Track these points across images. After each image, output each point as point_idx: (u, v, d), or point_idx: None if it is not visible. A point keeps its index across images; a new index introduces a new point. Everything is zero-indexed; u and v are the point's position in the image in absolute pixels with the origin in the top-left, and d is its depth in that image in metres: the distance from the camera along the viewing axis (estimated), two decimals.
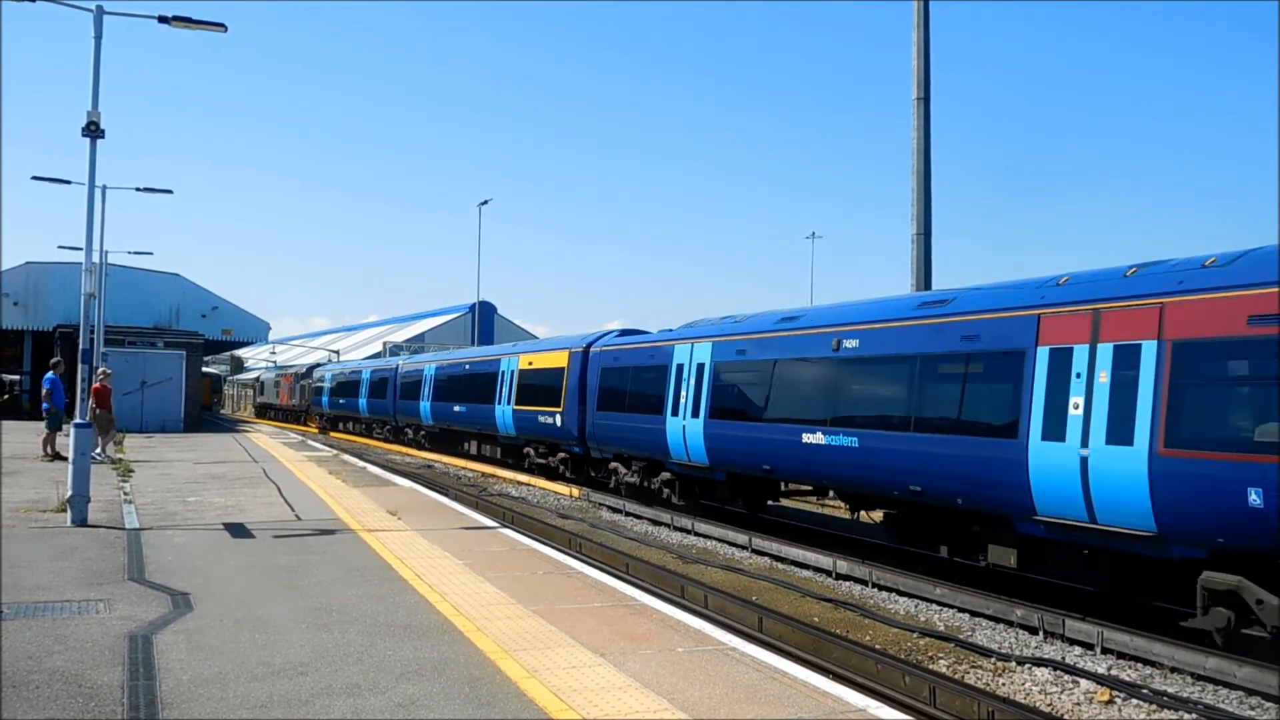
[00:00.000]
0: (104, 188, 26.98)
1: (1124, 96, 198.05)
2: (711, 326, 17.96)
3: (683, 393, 17.67)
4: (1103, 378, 9.90)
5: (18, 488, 15.65)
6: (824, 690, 6.25)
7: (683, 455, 17.75)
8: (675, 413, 17.86)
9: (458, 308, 73.16)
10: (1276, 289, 8.57)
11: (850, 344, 13.72)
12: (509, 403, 26.25)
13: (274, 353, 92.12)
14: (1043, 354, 10.58)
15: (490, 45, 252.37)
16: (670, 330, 19.91)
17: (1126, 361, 9.70)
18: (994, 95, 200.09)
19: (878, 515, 14.67)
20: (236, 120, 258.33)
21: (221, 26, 13.85)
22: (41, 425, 21.47)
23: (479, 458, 30.59)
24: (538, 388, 24.52)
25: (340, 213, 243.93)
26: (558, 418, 23.06)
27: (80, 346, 13.34)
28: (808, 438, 14.10)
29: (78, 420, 12.84)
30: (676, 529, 18.02)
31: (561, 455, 24.28)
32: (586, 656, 6.77)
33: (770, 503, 18.29)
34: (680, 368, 17.96)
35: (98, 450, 20.86)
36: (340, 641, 6.98)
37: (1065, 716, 8.25)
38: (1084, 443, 9.96)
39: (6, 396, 39.81)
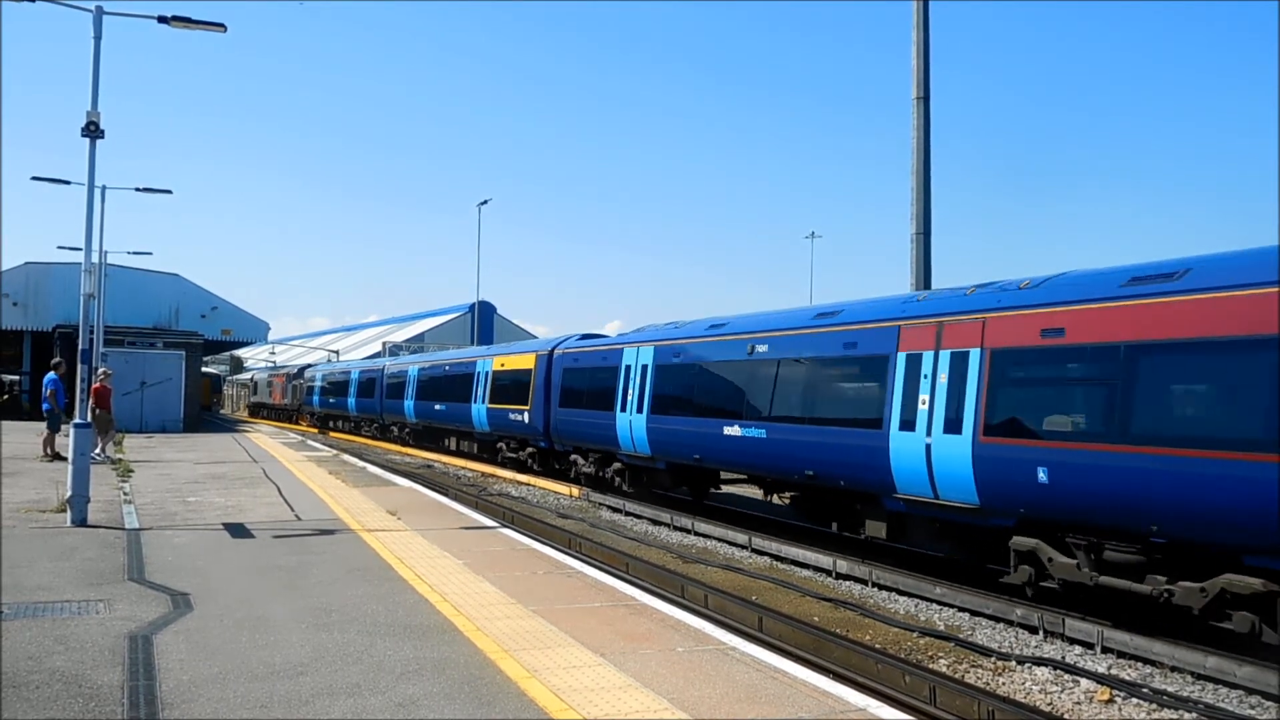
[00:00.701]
0: (104, 188, 27.01)
1: (1124, 96, 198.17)
2: (655, 332, 19.99)
3: (629, 391, 19.67)
4: (942, 379, 11.89)
5: (18, 488, 15.65)
6: (824, 690, 6.25)
7: (630, 447, 19.81)
8: (624, 409, 19.81)
9: (457, 308, 73.17)
10: (1063, 308, 10.56)
11: (761, 349, 15.86)
12: (483, 401, 28.23)
13: (274, 353, 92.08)
14: (901, 359, 12.60)
15: (490, 45, 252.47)
16: (623, 335, 22.05)
17: (959, 365, 11.68)
18: (994, 95, 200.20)
19: (788, 497, 16.59)
20: (236, 120, 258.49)
21: (221, 27, 13.85)
22: (42, 425, 21.48)
23: (458, 453, 32.34)
24: (509, 388, 26.43)
25: (340, 213, 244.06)
26: (526, 415, 25.05)
27: (80, 347, 13.34)
28: (728, 430, 16.23)
29: (78, 420, 12.84)
30: (676, 528, 18.03)
31: (530, 450, 26.06)
32: (586, 656, 6.77)
33: (712, 489, 20.17)
34: (628, 368, 19.92)
35: (97, 450, 20.87)
36: (340, 641, 6.98)
37: (1065, 716, 8.25)
38: (928, 432, 11.95)
39: (6, 396, 39.80)
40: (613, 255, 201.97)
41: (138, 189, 29.57)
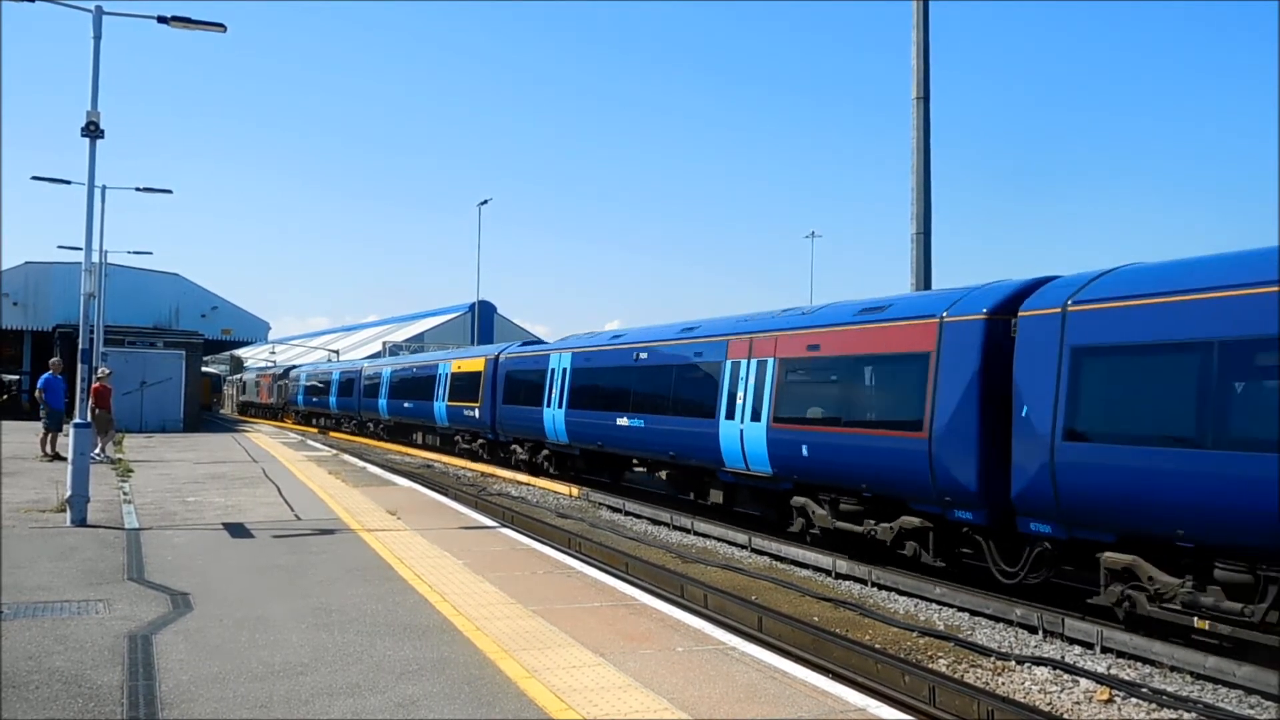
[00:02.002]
0: (104, 188, 26.96)
1: (1123, 96, 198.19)
2: (575, 340, 24.42)
3: (553, 390, 23.56)
4: (751, 380, 15.56)
5: (18, 488, 15.66)
6: (824, 689, 6.26)
7: (554, 437, 23.77)
8: (549, 405, 23.75)
9: (457, 307, 73.16)
10: (819, 329, 14.32)
11: (643, 356, 19.81)
12: (443, 399, 32.16)
13: (274, 352, 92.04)
14: (728, 364, 16.35)
15: (490, 45, 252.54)
16: (551, 343, 26.73)
17: (761, 370, 15.39)
18: (994, 95, 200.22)
19: (664, 474, 20.49)
20: (236, 120, 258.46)
21: (221, 27, 13.85)
22: (40, 425, 21.49)
23: (424, 446, 36.24)
24: (464, 388, 30.39)
25: (340, 213, 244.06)
26: (477, 411, 29.12)
27: (80, 346, 13.34)
28: (619, 421, 20.11)
29: (77, 420, 12.84)
30: (676, 528, 18.05)
31: (480, 441, 30.24)
32: (586, 656, 6.78)
33: (626, 472, 23.70)
34: (553, 371, 23.81)
35: (97, 450, 20.87)
36: (340, 641, 6.99)
37: (1065, 715, 8.25)
38: (742, 420, 15.68)
39: (6, 396, 39.79)
40: (613, 255, 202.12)
41: (138, 189, 29.58)
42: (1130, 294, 9.89)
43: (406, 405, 36.31)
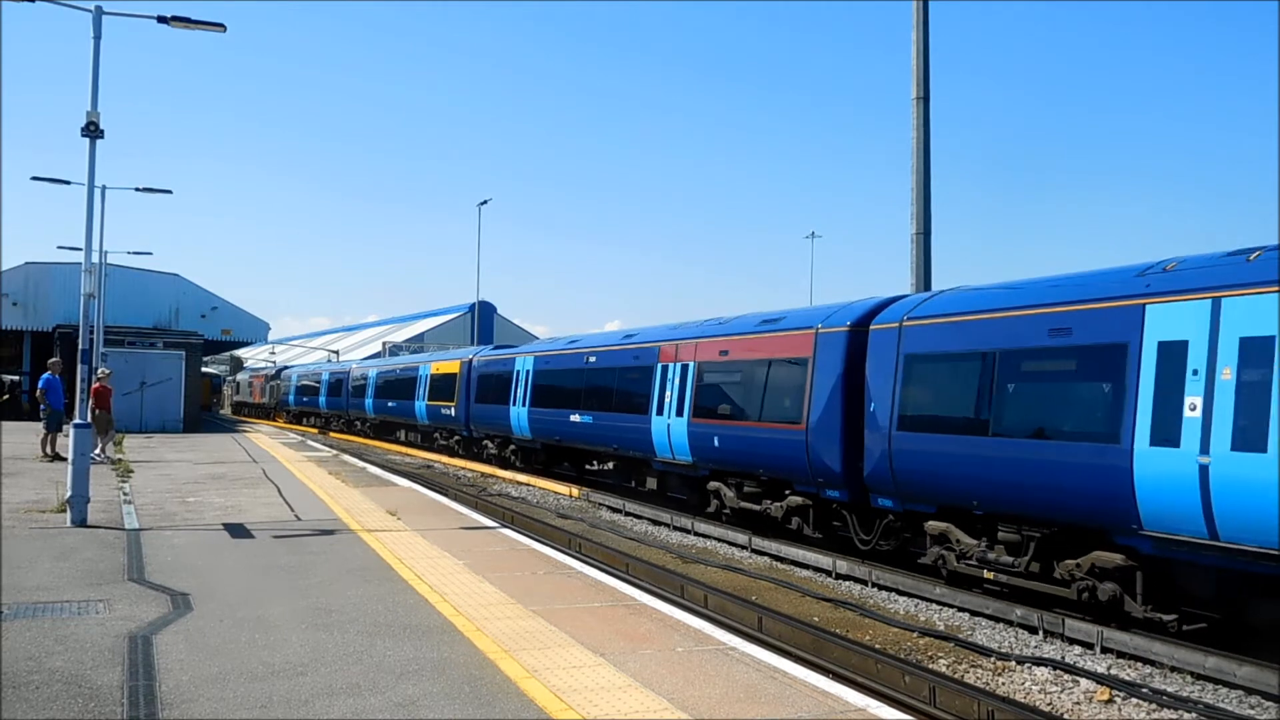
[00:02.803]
0: (104, 188, 27.03)
1: (1123, 96, 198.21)
2: (538, 345, 27.97)
3: (518, 389, 26.01)
4: (676, 380, 18.03)
5: (18, 488, 15.65)
6: (824, 690, 6.25)
7: (520, 432, 26.20)
8: (514, 403, 26.16)
9: (457, 308, 73.14)
10: (727, 337, 16.87)
11: (592, 359, 22.10)
12: (424, 399, 34.51)
13: (274, 353, 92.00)
14: (659, 367, 18.80)
15: (490, 45, 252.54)
16: (516, 348, 29.68)
17: (684, 372, 17.89)
18: (994, 95, 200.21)
19: (610, 465, 23.44)
20: (236, 120, 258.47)
21: (220, 26, 13.85)
22: (39, 425, 21.50)
23: (406, 443, 38.61)
24: (442, 388, 32.76)
25: (340, 213, 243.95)
26: (453, 410, 31.63)
27: (80, 347, 13.33)
28: (573, 418, 22.46)
29: (77, 420, 12.83)
30: (676, 528, 18.04)
31: (456, 437, 32.74)
32: (586, 656, 6.78)
33: (587, 465, 25.71)
34: (517, 373, 26.26)
35: (97, 450, 20.87)
36: (340, 641, 6.99)
37: (1065, 716, 8.25)
38: (669, 416, 18.14)
39: (6, 397, 39.78)
40: (613, 255, 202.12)
41: (138, 189, 29.58)
42: (943, 313, 12.25)
43: (391, 405, 38.72)
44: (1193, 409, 9.01)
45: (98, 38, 12.92)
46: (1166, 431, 9.17)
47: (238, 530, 12.08)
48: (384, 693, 5.83)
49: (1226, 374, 8.82)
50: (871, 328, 13.23)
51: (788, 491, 15.12)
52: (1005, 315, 11.25)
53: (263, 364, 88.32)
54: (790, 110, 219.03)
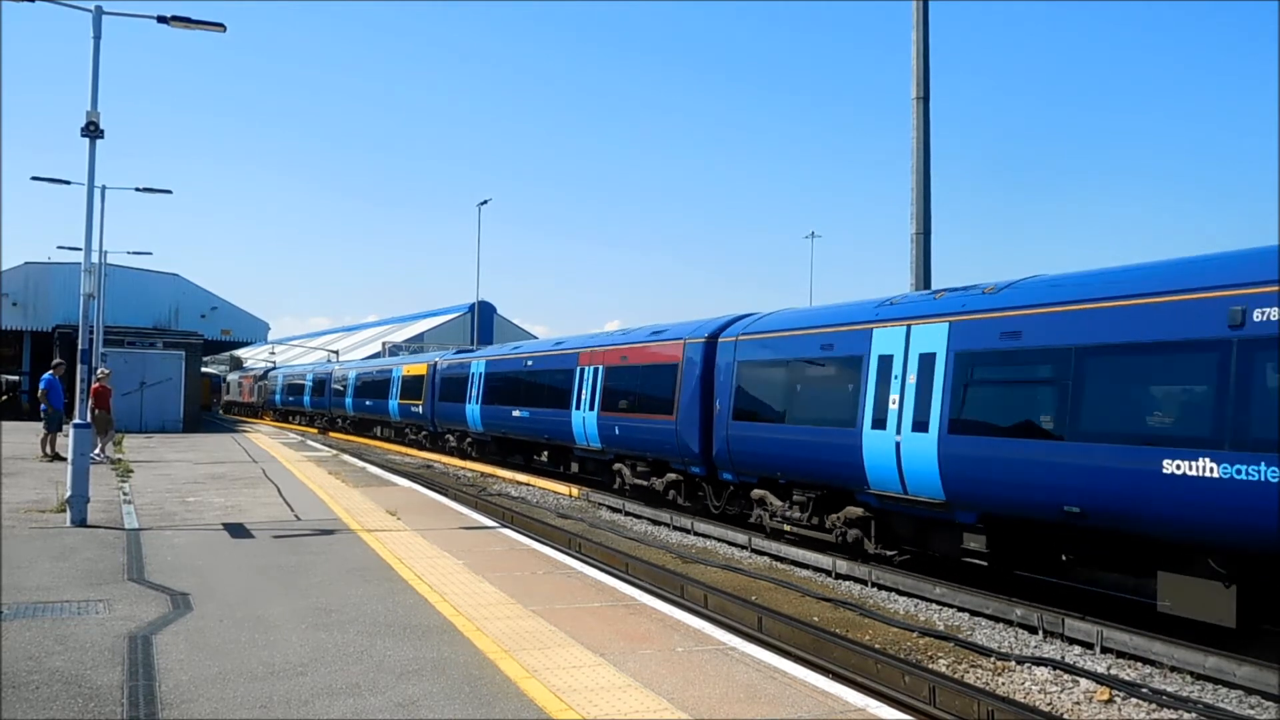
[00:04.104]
0: (103, 188, 27.00)
1: (1123, 96, 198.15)
2: (489, 350, 32.11)
3: (472, 389, 29.90)
4: (590, 381, 21.45)
5: (18, 488, 15.65)
6: (824, 690, 6.25)
7: (474, 426, 30.15)
8: (470, 401, 29.99)
9: (457, 308, 73.08)
10: (627, 345, 20.42)
11: (529, 363, 25.71)
12: (396, 398, 38.08)
13: (273, 353, 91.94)
14: (578, 370, 22.19)
15: (490, 45, 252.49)
16: (473, 352, 33.53)
17: (594, 374, 21.39)
18: (994, 95, 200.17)
19: (544, 455, 27.24)
20: (236, 120, 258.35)
21: (220, 26, 13.84)
22: (39, 425, 21.50)
23: (380, 438, 42.55)
24: (412, 389, 36.47)
25: (340, 213, 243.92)
26: (421, 408, 35.24)
27: (80, 347, 13.33)
28: (514, 413, 26.23)
29: (77, 420, 12.83)
30: (676, 529, 18.04)
31: (424, 432, 36.39)
32: (586, 656, 6.78)
33: (535, 457, 28.26)
34: (472, 375, 30.12)
35: (97, 450, 20.85)
36: (340, 641, 6.99)
37: (1065, 715, 8.25)
38: (584, 410, 21.56)
39: (6, 397, 39.75)
40: (613, 255, 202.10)
41: (138, 189, 29.56)
42: (763, 330, 15.90)
43: (368, 403, 42.60)
44: (894, 403, 12.43)
45: (98, 38, 12.91)
46: (879, 418, 12.57)
47: (238, 530, 12.08)
48: (384, 693, 5.83)
49: (911, 378, 12.14)
50: (719, 340, 16.90)
51: (668, 470, 18.92)
52: (798, 333, 14.91)
53: (262, 364, 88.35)
54: (790, 110, 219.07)
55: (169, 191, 30.72)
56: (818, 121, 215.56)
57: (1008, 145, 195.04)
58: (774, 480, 15.24)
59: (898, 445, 12.11)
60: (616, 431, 20.18)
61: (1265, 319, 8.32)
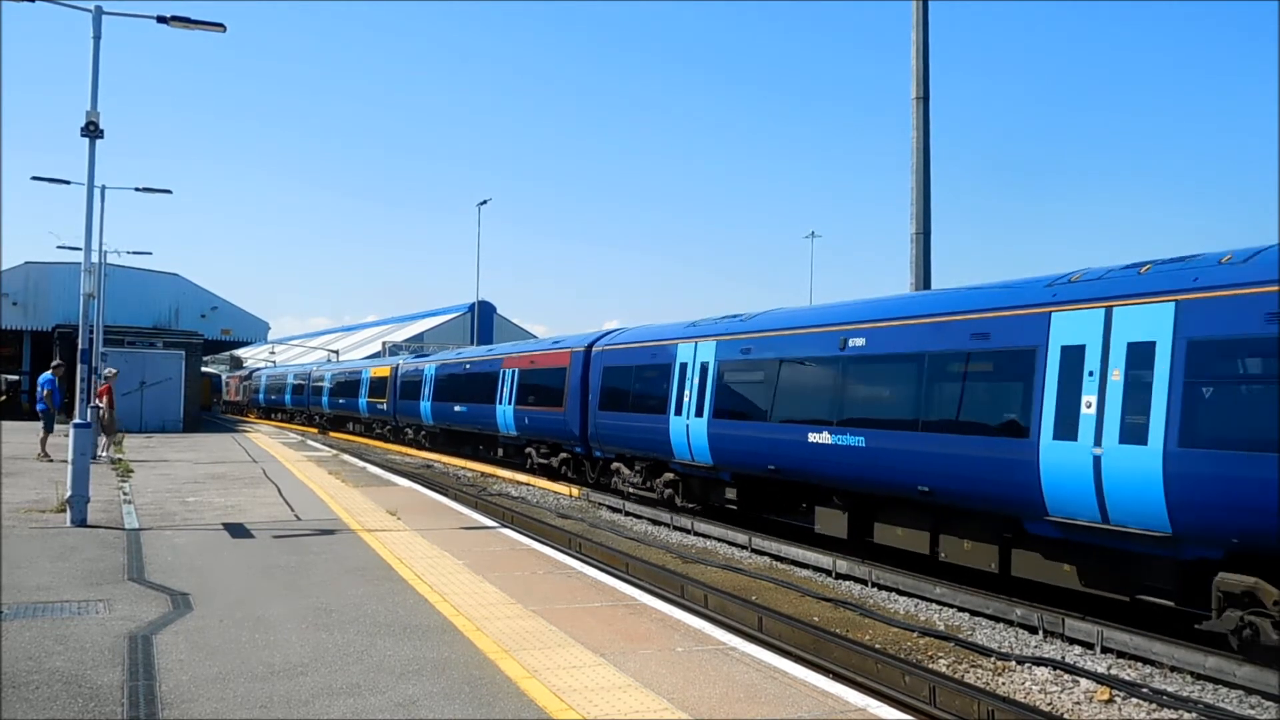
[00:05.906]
0: (103, 188, 26.98)
1: (1123, 95, 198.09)
2: (438, 355, 37.13)
3: (426, 388, 34.59)
4: (510, 382, 26.35)
5: (18, 488, 15.64)
6: (824, 690, 6.25)
7: (428, 420, 34.57)
8: (423, 399, 34.58)
9: (457, 307, 73.04)
10: (539, 352, 25.68)
11: (468, 366, 30.63)
12: (365, 396, 42.79)
13: (273, 353, 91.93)
14: (503, 373, 26.99)
15: (490, 44, 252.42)
16: (429, 355, 39.35)
17: (514, 377, 26.29)
18: (994, 95, 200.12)
19: (500, 448, 29.70)
20: (236, 120, 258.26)
21: (220, 27, 13.85)
22: (39, 425, 21.50)
23: (353, 433, 46.53)
24: (378, 388, 40.76)
25: (340, 213, 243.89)
26: (386, 405, 39.84)
27: (80, 346, 13.33)
28: (456, 409, 31.06)
29: (77, 420, 12.82)
30: (676, 529, 18.04)
31: (388, 427, 40.87)
32: (586, 656, 6.78)
33: (479, 448, 31.47)
34: (426, 376, 34.68)
35: (101, 450, 20.87)
36: (340, 641, 6.98)
37: (1065, 715, 8.25)
38: (506, 405, 26.55)
39: (6, 397, 39.72)
40: (613, 255, 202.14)
41: (138, 189, 29.50)
42: (619, 342, 20.99)
43: (341, 401, 47.24)
44: (688, 396, 17.34)
45: (97, 38, 12.91)
46: (679, 407, 17.59)
47: (238, 530, 12.08)
48: (384, 693, 5.83)
49: (697, 380, 17.20)
50: (592, 349, 21.85)
51: (560, 450, 24.05)
52: (636, 345, 20.01)
53: (262, 364, 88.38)
54: (790, 110, 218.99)
55: (169, 191, 30.70)
56: (817, 122, 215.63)
57: (1008, 145, 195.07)
58: (625, 455, 20.43)
59: (689, 427, 17.28)
60: (527, 421, 25.29)
61: (855, 344, 13.48)
